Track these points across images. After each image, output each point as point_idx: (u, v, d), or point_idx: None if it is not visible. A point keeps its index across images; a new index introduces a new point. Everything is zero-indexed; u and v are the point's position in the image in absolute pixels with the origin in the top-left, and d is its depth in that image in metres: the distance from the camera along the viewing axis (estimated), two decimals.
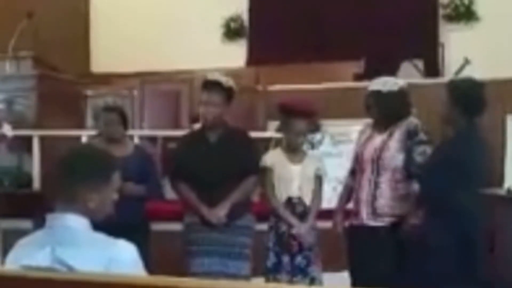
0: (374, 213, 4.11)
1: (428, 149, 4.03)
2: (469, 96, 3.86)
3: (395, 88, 4.14)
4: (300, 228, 4.19)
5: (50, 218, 2.19)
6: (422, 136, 4.08)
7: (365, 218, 4.13)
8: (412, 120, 4.13)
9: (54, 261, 2.07)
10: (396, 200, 4.07)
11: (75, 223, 2.16)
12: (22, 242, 2.25)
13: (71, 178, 2.20)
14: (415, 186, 4.01)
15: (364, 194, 4.16)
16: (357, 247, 4.22)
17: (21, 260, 2.12)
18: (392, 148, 4.08)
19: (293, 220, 4.21)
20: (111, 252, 2.12)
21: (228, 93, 4.18)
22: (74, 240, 2.13)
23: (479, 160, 3.82)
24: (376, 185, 4.11)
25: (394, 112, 4.13)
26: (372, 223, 4.11)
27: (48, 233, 2.17)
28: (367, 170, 4.16)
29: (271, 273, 4.21)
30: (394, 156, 4.07)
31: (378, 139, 4.17)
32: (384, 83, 4.17)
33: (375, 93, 4.17)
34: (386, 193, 4.09)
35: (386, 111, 4.13)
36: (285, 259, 4.22)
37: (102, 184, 2.23)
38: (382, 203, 4.09)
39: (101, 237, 2.17)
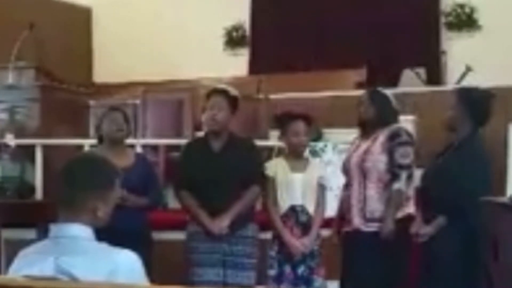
0: (365, 218, 4.14)
1: (410, 150, 4.11)
2: (480, 106, 3.88)
3: (389, 94, 4.34)
4: (297, 251, 4.20)
5: (54, 228, 2.19)
6: (404, 137, 4.14)
7: (357, 223, 4.16)
8: (395, 125, 4.21)
9: (57, 270, 2.07)
10: (384, 204, 4.10)
11: (79, 232, 2.16)
12: (25, 252, 2.24)
13: (75, 188, 2.19)
14: (396, 185, 4.06)
15: (354, 200, 4.20)
16: (349, 253, 4.26)
17: (24, 270, 2.12)
18: (375, 151, 4.15)
19: (291, 240, 4.21)
20: (114, 262, 2.12)
21: (233, 102, 4.21)
22: (78, 250, 2.12)
23: (483, 169, 3.82)
24: (364, 190, 4.16)
25: (386, 113, 4.22)
26: (364, 228, 4.14)
27: (52, 243, 2.16)
28: (355, 176, 4.21)
29: (273, 283, 4.20)
30: (377, 159, 4.13)
31: (363, 146, 4.24)
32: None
33: (373, 91, 4.34)
34: (374, 197, 4.13)
35: (380, 109, 4.22)
36: (288, 269, 4.22)
37: (108, 192, 2.24)
38: (371, 208, 4.13)
39: (104, 246, 2.17)
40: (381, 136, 4.16)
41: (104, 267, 2.08)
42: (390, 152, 4.10)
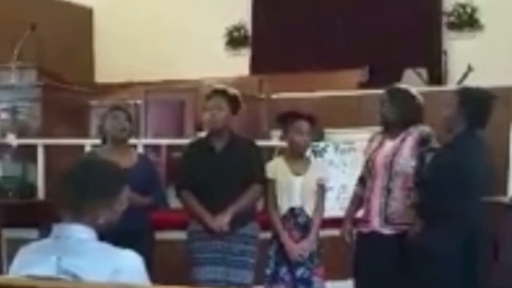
0: (386, 221, 4.06)
1: None
2: (477, 106, 3.86)
3: (412, 90, 4.21)
4: (295, 255, 4.19)
5: (57, 228, 2.19)
6: (434, 143, 4.05)
7: (377, 226, 4.09)
8: (425, 127, 4.11)
9: (60, 271, 2.07)
10: (408, 208, 4.02)
11: (81, 233, 2.15)
12: (27, 250, 2.24)
13: (82, 194, 2.18)
14: None
15: (376, 201, 4.11)
16: (367, 255, 4.16)
17: (26, 269, 2.13)
18: (405, 154, 4.04)
19: (289, 244, 4.20)
20: (117, 262, 2.11)
21: (233, 101, 4.21)
22: (80, 250, 2.12)
23: (480, 168, 3.81)
24: (389, 192, 4.06)
25: (409, 112, 4.12)
26: (384, 231, 4.07)
27: (54, 243, 2.16)
28: (379, 177, 4.11)
29: (269, 282, 4.21)
30: (407, 162, 4.03)
31: (389, 146, 4.13)
32: (403, 85, 4.27)
33: (393, 89, 4.23)
34: (398, 200, 4.04)
35: (402, 109, 4.11)
36: (283, 270, 4.21)
37: (112, 200, 2.22)
38: (393, 211, 4.04)
39: (107, 247, 2.17)
40: (410, 139, 4.06)
41: (107, 268, 2.08)
42: (420, 158, 4.01)
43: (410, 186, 4.03)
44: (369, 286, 4.15)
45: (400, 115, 4.12)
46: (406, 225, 4.00)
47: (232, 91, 4.24)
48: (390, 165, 4.06)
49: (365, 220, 4.19)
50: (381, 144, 4.19)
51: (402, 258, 3.95)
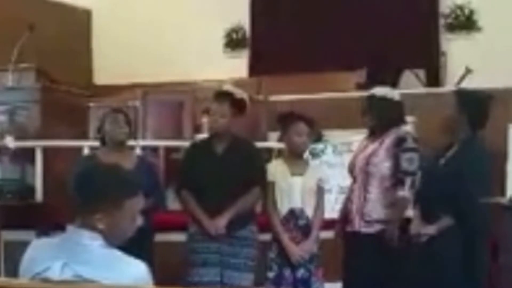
0: (363, 219, 4.14)
1: (415, 156, 4.08)
2: (478, 108, 3.89)
3: (390, 94, 4.27)
4: (296, 257, 4.19)
5: (69, 230, 2.18)
6: (409, 143, 4.13)
7: (356, 225, 4.18)
8: (403, 129, 4.19)
9: (65, 276, 2.07)
10: (385, 207, 4.12)
11: (89, 240, 2.13)
12: (39, 244, 2.24)
13: (81, 196, 2.18)
14: (401, 193, 4.04)
15: (356, 201, 4.20)
16: (349, 254, 4.27)
17: (35, 268, 2.13)
18: (380, 155, 4.14)
19: (290, 246, 4.21)
20: (123, 273, 2.09)
21: (239, 104, 4.23)
22: (87, 258, 2.11)
23: (482, 170, 3.83)
24: (366, 192, 4.15)
25: (387, 116, 4.19)
26: (363, 229, 4.15)
27: (63, 245, 2.15)
28: (358, 178, 4.22)
29: (272, 285, 4.20)
30: (382, 164, 4.12)
31: (370, 148, 4.22)
32: (380, 89, 4.32)
33: (372, 96, 4.29)
34: (375, 200, 4.14)
35: (380, 115, 4.19)
36: (287, 271, 4.21)
37: (112, 208, 2.17)
38: (370, 209, 4.13)
39: (112, 254, 2.14)
40: (387, 141, 4.15)
41: (113, 277, 2.06)
42: (395, 158, 4.08)
43: (387, 186, 4.12)
44: (353, 283, 4.19)
45: (379, 120, 4.23)
46: (383, 223, 4.09)
47: (240, 94, 4.25)
48: (365, 167, 4.17)
49: (349, 220, 4.27)
50: (365, 147, 4.29)
51: (381, 256, 3.99)
